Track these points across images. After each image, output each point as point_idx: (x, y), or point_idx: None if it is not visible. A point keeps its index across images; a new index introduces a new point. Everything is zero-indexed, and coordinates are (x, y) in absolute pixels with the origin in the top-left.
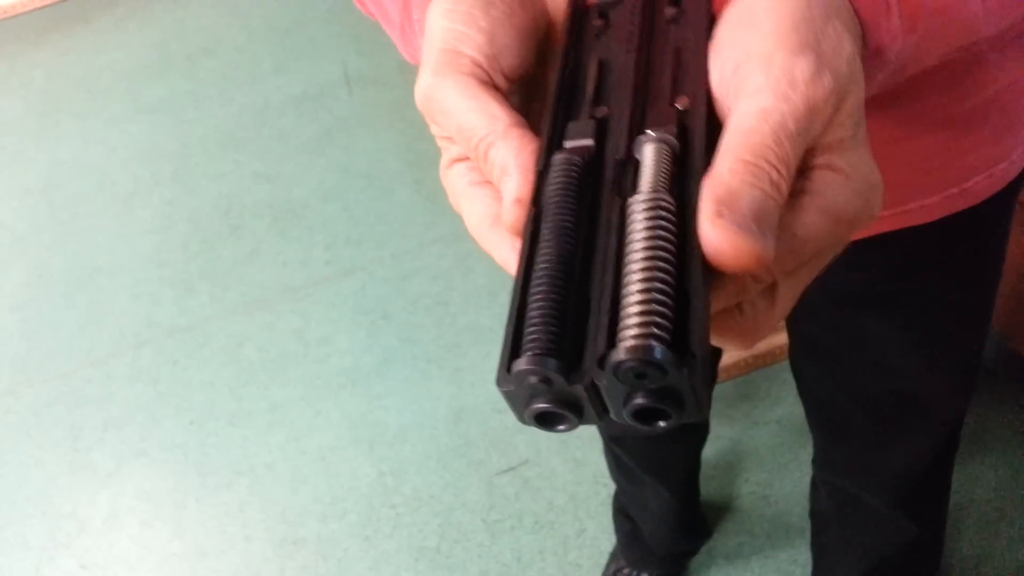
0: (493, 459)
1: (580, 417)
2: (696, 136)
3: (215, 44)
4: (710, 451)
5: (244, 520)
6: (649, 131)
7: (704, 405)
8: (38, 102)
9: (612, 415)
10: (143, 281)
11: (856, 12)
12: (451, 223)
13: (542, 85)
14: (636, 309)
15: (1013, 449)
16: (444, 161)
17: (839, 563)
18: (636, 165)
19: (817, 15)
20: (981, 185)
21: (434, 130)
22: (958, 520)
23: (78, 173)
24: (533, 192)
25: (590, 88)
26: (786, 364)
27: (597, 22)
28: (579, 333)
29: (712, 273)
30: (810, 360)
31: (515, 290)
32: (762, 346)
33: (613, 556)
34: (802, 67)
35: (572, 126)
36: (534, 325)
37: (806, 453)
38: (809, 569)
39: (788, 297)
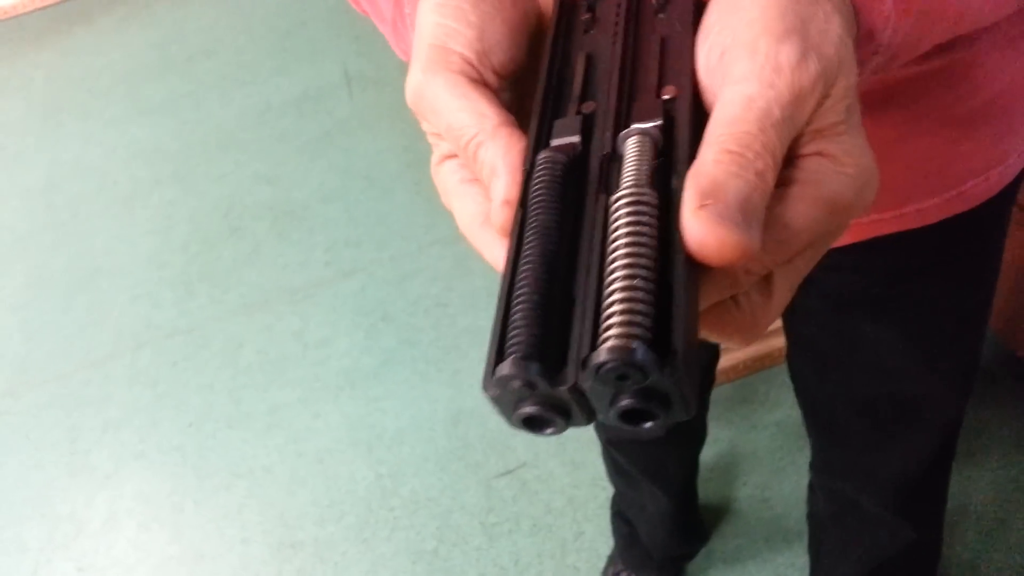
0: (491, 462)
1: (568, 420)
2: (681, 126)
3: (215, 45)
4: (708, 454)
5: (242, 522)
6: (634, 125)
7: (691, 404)
8: (39, 103)
9: (600, 417)
10: (143, 282)
11: None
12: (451, 225)
13: (534, 80)
14: (617, 308)
15: (1012, 452)
16: (435, 158)
17: (837, 566)
18: (621, 160)
19: None
20: (978, 188)
21: (425, 127)
22: (956, 523)
23: (78, 174)
24: (520, 193)
25: (577, 83)
26: (784, 367)
27: (585, 16)
28: (564, 335)
29: (700, 267)
30: (807, 363)
31: (500, 294)
32: (760, 348)
33: (611, 559)
34: (787, 52)
35: (559, 123)
36: (516, 328)
37: (804, 456)
38: (807, 572)
39: (785, 288)
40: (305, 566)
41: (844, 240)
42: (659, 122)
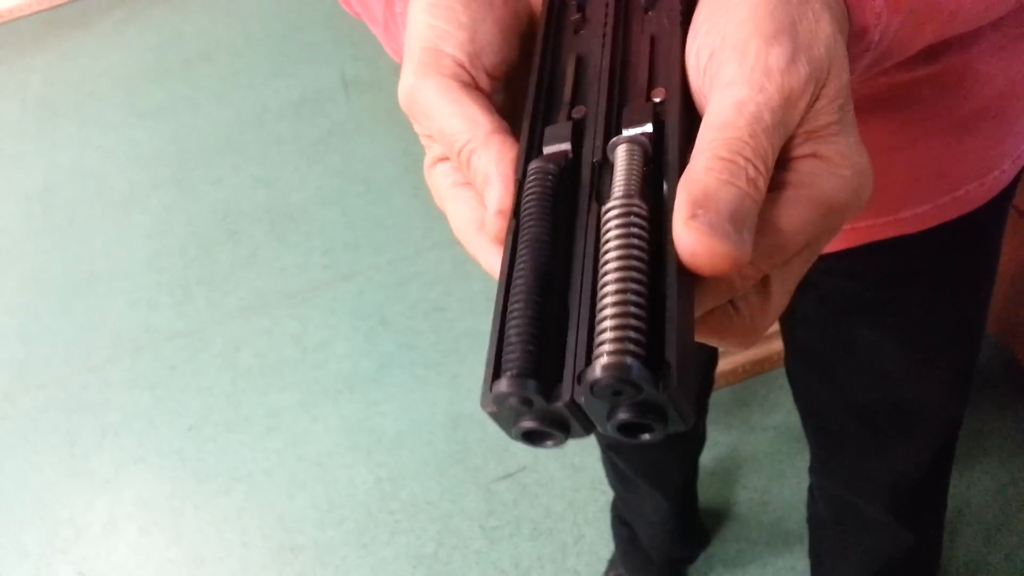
0: (491, 465)
1: (567, 433)
2: (671, 130)
3: (213, 49)
4: (708, 457)
5: (242, 527)
6: (624, 130)
7: (688, 416)
8: (36, 106)
9: (599, 429)
10: (141, 286)
11: None
12: (448, 229)
13: (526, 80)
14: (610, 324)
15: (1011, 455)
16: (428, 160)
17: (836, 570)
18: (611, 168)
19: None
20: (975, 192)
21: (417, 128)
22: (956, 527)
23: (76, 177)
24: (514, 202)
25: (568, 87)
26: (783, 370)
27: (575, 16)
28: (560, 347)
29: (695, 275)
30: (804, 368)
31: (495, 309)
32: (758, 352)
33: (611, 563)
34: (777, 55)
35: (550, 130)
36: (512, 345)
37: (804, 459)
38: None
39: (782, 291)
40: (305, 570)
41: (840, 245)
42: (649, 128)
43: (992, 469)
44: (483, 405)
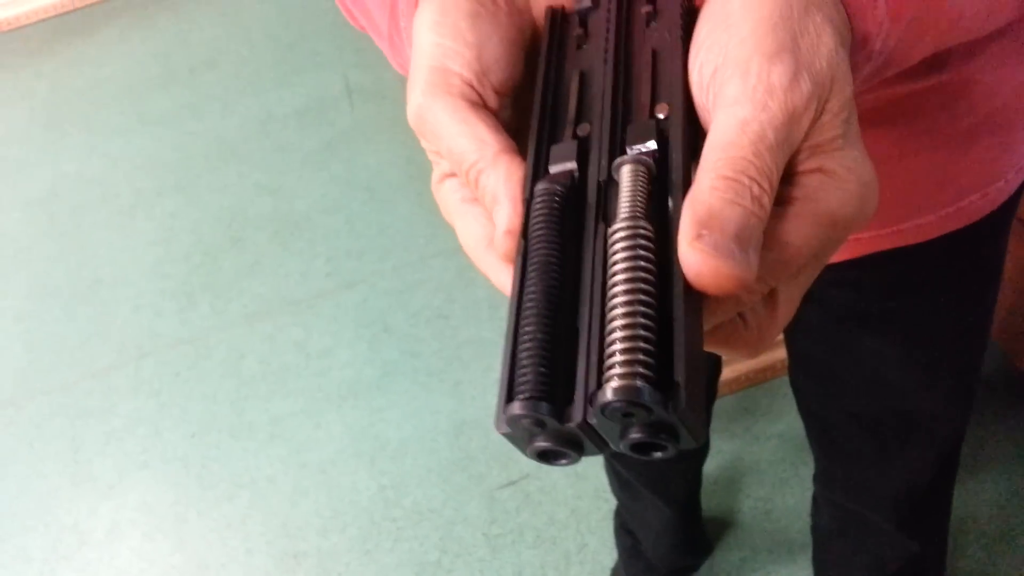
0: (494, 473)
1: (580, 451)
2: (675, 147)
3: (218, 57)
4: (711, 466)
5: (245, 533)
6: (629, 148)
7: (699, 434)
8: (41, 113)
9: (612, 447)
10: (145, 293)
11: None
12: (452, 236)
13: (532, 95)
14: (619, 347)
15: (1015, 464)
16: (435, 176)
17: None
18: (617, 188)
19: (796, 9)
20: (978, 204)
21: (425, 145)
22: (960, 536)
23: (81, 184)
24: (522, 223)
25: (572, 104)
26: (787, 378)
27: (577, 31)
28: (571, 368)
29: (701, 293)
30: (808, 378)
31: (507, 332)
32: (763, 360)
33: (614, 572)
34: (779, 73)
35: (555, 149)
36: (524, 368)
37: (807, 468)
38: None
39: (789, 302)
40: None
41: (844, 256)
42: (653, 146)
43: (996, 478)
44: (497, 427)
